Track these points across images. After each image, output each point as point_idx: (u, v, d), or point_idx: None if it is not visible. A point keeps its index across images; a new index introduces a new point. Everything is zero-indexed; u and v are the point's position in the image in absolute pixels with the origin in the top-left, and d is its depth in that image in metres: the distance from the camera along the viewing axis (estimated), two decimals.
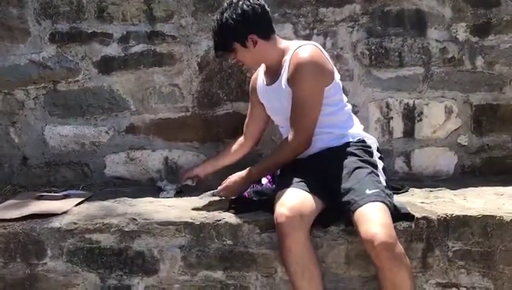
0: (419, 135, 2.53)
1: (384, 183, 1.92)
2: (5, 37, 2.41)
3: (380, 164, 2.02)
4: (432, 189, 2.32)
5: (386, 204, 1.78)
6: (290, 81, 1.95)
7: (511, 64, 2.49)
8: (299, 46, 1.97)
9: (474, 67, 2.51)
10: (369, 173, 1.89)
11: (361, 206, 1.75)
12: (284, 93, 1.99)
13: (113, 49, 2.44)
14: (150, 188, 2.40)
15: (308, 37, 2.47)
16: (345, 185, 1.85)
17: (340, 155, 1.97)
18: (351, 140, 2.03)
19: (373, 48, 2.49)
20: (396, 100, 2.52)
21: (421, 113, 2.52)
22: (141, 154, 2.51)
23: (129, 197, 2.25)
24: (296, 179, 1.91)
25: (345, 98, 2.14)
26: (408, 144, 2.54)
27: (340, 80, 2.46)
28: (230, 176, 2.06)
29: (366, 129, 2.36)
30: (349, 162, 1.93)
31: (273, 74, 2.06)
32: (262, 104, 2.18)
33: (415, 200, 2.15)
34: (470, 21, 2.48)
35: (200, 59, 2.46)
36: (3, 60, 2.42)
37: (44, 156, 2.49)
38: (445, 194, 2.25)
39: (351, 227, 1.82)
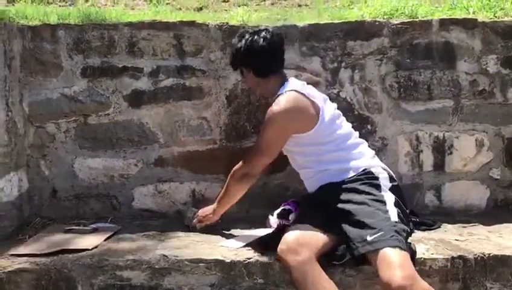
0: (449, 168, 2.50)
1: (396, 219, 1.82)
2: (39, 72, 2.45)
3: (390, 198, 1.89)
4: (464, 225, 2.27)
5: (398, 246, 1.70)
6: None
7: None
8: (280, 95, 2.04)
9: (505, 100, 2.49)
10: (374, 212, 1.81)
11: (371, 251, 1.71)
12: None
13: (143, 83, 2.46)
14: (177, 221, 2.38)
15: (336, 70, 2.48)
16: (347, 227, 1.81)
17: (340, 192, 1.93)
18: (353, 174, 1.98)
19: (402, 80, 2.48)
20: (426, 133, 2.49)
21: (452, 146, 2.49)
22: (169, 186, 2.51)
23: (157, 230, 2.24)
24: (303, 217, 1.94)
25: (346, 131, 2.10)
26: (438, 178, 2.50)
27: (369, 112, 2.48)
28: (202, 210, 2.24)
29: (395, 162, 2.33)
30: (351, 201, 1.88)
31: None
32: None
33: (448, 237, 2.10)
34: (501, 53, 2.48)
35: (228, 92, 2.48)
36: (36, 94, 2.46)
37: (73, 188, 2.50)
38: (479, 230, 2.20)
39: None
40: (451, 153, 2.50)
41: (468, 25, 2.46)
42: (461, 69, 2.47)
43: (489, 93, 2.48)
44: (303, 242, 1.78)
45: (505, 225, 2.26)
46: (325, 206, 1.94)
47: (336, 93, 2.48)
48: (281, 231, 2.04)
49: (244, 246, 2.00)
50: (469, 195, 2.50)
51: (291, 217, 2.14)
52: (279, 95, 2.04)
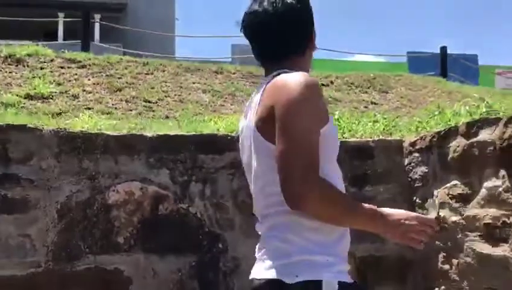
0: None
1: None
2: None
3: None
4: None
5: None
6: None
7: None
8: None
9: None
10: None
11: None
12: None
13: None
14: None
15: (186, 184, 2.33)
16: None
17: None
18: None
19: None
20: None
21: None
22: None
23: None
24: None
25: None
26: None
27: (220, 229, 2.32)
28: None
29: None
30: None
31: None
32: None
33: None
34: (348, 172, 2.54)
35: (60, 206, 2.20)
36: None
37: None
38: None
39: None
40: None
41: None
42: None
43: None
44: None
45: None
46: None
47: (186, 208, 2.31)
48: None
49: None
50: None
51: None
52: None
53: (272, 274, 1.18)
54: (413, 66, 11.04)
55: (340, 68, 8.81)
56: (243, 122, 1.31)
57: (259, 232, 1.29)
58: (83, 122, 2.47)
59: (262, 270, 1.21)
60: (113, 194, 2.23)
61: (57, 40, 12.46)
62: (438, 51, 8.57)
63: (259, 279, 1.21)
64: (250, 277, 1.24)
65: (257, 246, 1.29)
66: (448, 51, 8.62)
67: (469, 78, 9.07)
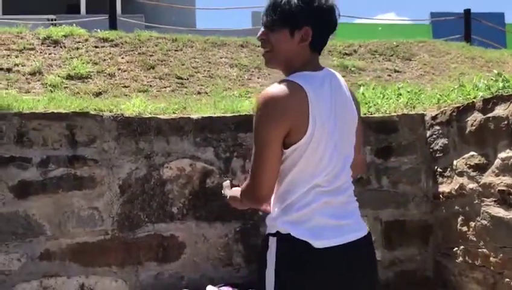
0: None
1: None
2: None
3: None
4: None
5: None
6: None
7: (412, 183, 2.75)
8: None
9: (380, 186, 2.74)
10: None
11: None
12: None
13: (31, 174, 2.39)
14: None
15: (228, 160, 2.60)
16: None
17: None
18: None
19: None
20: None
21: None
22: (55, 281, 2.38)
23: None
24: None
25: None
26: None
27: None
28: None
29: None
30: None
31: None
32: None
33: None
34: (374, 145, 2.75)
35: (121, 182, 2.48)
36: None
37: None
38: None
39: None
40: None
41: None
42: None
43: (367, 181, 2.72)
44: None
45: None
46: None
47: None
48: None
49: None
50: None
51: None
52: None
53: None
54: (437, 29, 10.80)
55: (362, 32, 8.76)
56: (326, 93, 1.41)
57: (331, 203, 1.42)
58: (134, 106, 2.75)
59: (363, 228, 1.49)
60: (167, 171, 2.51)
61: (79, 13, 12.69)
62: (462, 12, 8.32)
63: (365, 235, 1.48)
64: (352, 239, 1.41)
65: (331, 213, 1.42)
66: (473, 10, 8.35)
67: (495, 39, 8.83)
